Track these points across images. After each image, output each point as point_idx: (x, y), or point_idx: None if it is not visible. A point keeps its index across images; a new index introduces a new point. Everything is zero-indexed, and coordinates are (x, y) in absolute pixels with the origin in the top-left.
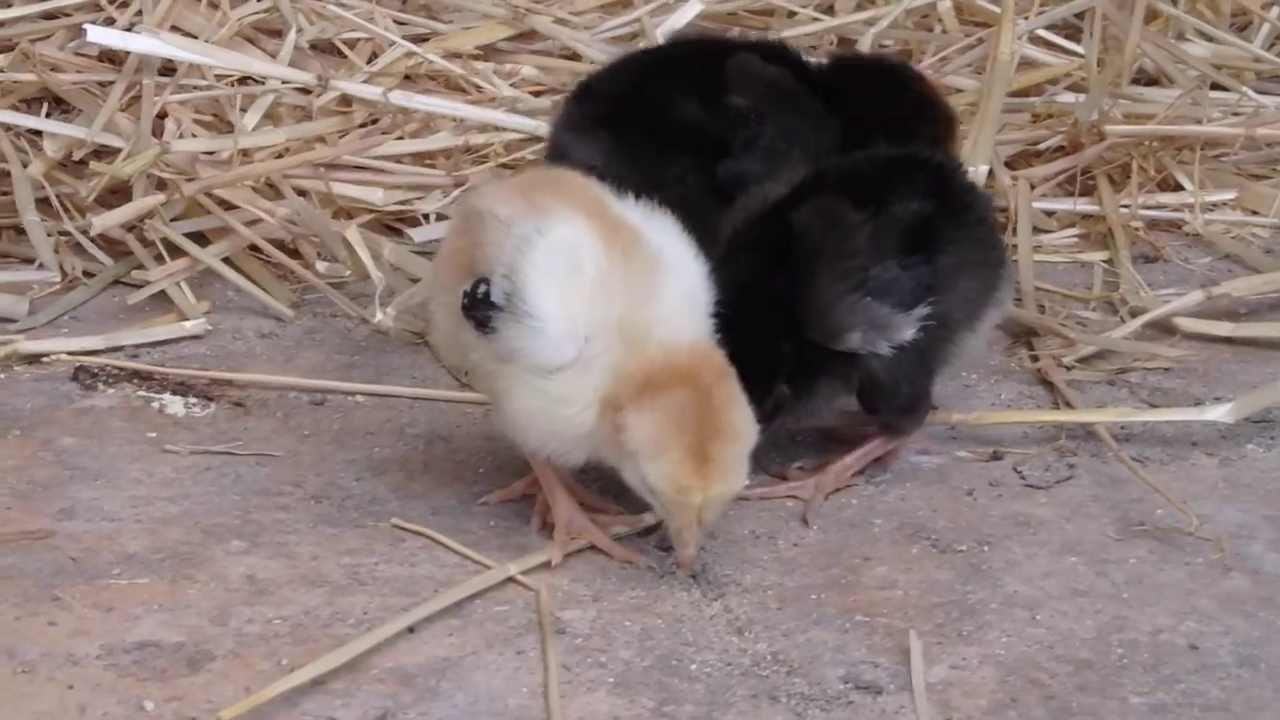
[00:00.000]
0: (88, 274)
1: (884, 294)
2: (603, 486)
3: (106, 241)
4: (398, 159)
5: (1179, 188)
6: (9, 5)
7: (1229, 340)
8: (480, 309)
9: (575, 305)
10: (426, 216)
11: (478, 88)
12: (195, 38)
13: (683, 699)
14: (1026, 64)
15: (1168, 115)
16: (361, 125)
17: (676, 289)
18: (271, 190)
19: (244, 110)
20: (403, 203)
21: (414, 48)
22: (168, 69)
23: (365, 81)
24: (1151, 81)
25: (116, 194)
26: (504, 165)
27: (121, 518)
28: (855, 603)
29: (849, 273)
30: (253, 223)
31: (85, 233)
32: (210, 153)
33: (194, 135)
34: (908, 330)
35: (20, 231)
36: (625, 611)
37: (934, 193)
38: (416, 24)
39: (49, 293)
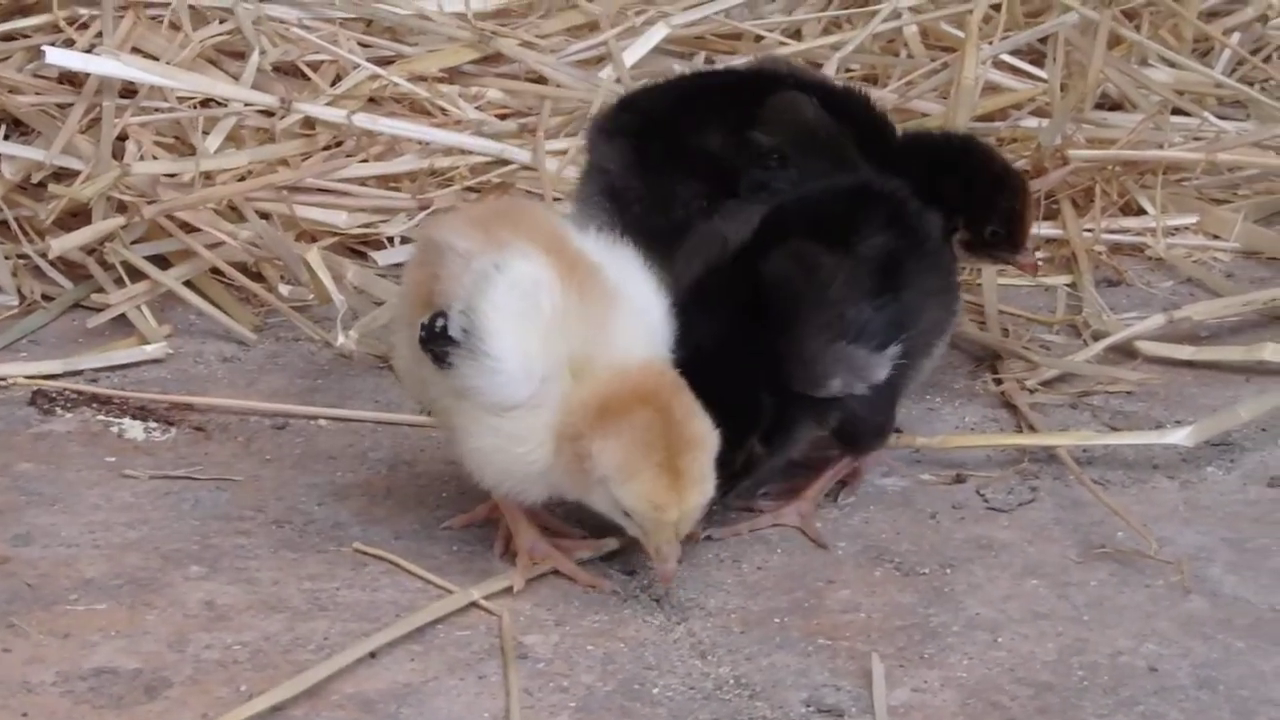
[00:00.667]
0: (46, 297)
1: (859, 336)
2: (566, 511)
3: (66, 264)
4: (362, 181)
5: (1141, 212)
6: None
7: (1190, 364)
8: (438, 343)
9: (532, 344)
10: (391, 240)
11: (443, 110)
12: (157, 59)
13: None
14: (991, 89)
15: (1130, 140)
16: (325, 148)
17: (630, 321)
18: (234, 213)
19: (206, 133)
20: (367, 225)
21: (378, 70)
22: (128, 91)
23: (329, 104)
24: (1115, 106)
25: (76, 217)
26: (469, 189)
27: (79, 543)
28: (818, 626)
29: (831, 321)
30: (215, 245)
31: (44, 255)
32: (172, 175)
33: (155, 158)
34: (883, 370)
35: None
36: (588, 636)
37: (893, 223)
38: (381, 46)
39: (7, 316)
